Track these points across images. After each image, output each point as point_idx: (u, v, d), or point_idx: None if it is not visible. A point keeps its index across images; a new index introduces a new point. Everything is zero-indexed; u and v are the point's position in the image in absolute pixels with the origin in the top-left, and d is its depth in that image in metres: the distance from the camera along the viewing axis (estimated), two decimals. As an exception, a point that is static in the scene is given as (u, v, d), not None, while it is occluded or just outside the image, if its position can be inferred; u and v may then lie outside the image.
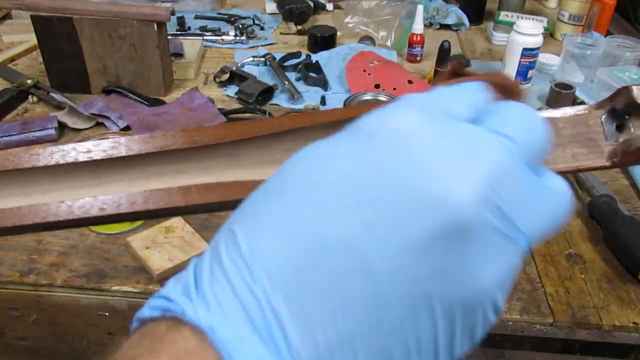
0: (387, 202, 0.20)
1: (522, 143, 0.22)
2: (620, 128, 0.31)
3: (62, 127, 0.96)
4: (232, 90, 1.12)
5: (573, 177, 0.87)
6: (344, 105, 0.84)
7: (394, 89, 1.08)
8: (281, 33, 1.43)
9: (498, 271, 0.21)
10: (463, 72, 0.28)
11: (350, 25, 1.39)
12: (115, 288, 0.65)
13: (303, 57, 1.25)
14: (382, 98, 0.87)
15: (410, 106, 0.22)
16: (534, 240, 0.22)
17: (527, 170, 0.22)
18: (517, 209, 0.21)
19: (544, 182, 0.23)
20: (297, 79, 1.17)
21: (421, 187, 0.20)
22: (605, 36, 1.23)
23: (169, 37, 1.11)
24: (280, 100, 1.09)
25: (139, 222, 0.74)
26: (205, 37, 1.35)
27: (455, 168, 0.20)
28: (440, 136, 0.21)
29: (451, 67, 0.28)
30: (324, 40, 1.29)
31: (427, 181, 0.20)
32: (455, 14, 1.46)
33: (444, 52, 1.12)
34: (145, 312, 0.22)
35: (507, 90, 0.26)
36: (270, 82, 1.12)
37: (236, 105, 1.07)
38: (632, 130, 0.30)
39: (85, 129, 0.97)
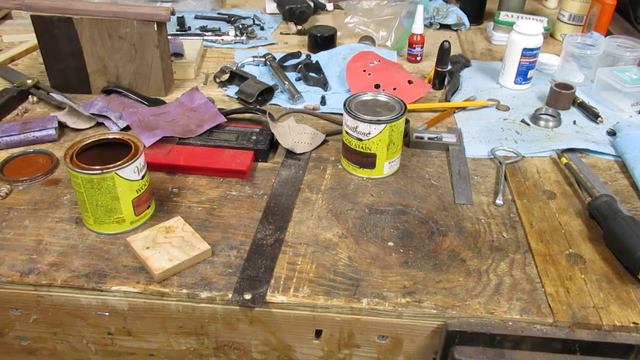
0: None
1: None
2: None
3: (62, 127, 0.96)
4: (232, 90, 1.12)
5: (573, 177, 0.87)
6: (344, 105, 0.84)
7: (394, 89, 1.08)
8: (281, 33, 1.43)
9: None
10: None
11: (350, 25, 1.39)
12: (115, 288, 0.65)
13: (303, 57, 1.25)
14: (382, 98, 0.87)
15: None
16: None
17: None
18: None
19: None
20: (297, 79, 1.17)
21: None
22: (605, 36, 1.22)
23: (169, 37, 1.11)
24: (280, 100, 1.09)
25: (139, 222, 0.74)
26: (205, 37, 1.35)
27: None
28: None
29: None
30: (324, 40, 1.29)
31: None
32: (455, 14, 1.46)
33: (444, 52, 1.12)
34: None
35: None
36: (270, 82, 1.12)
37: (236, 105, 1.07)
38: None
39: (86, 129, 0.97)
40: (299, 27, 1.42)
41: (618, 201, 0.78)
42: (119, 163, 0.68)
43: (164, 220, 0.73)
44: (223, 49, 1.33)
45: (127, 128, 0.96)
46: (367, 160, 0.84)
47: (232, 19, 1.47)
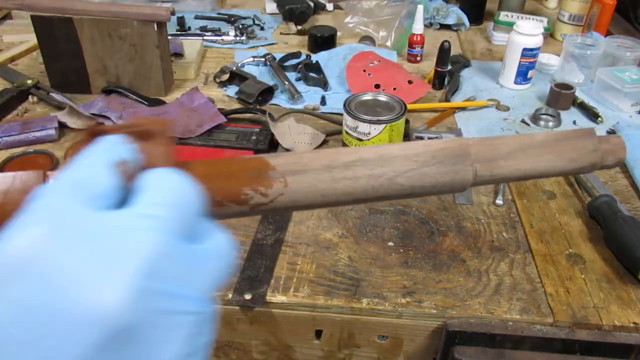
0: (34, 339, 0.19)
1: (172, 217, 0.23)
2: None
3: (62, 127, 0.96)
4: (232, 90, 1.12)
5: (573, 177, 0.87)
6: (344, 105, 0.84)
7: (394, 89, 1.08)
8: (281, 33, 1.43)
9: (180, 343, 0.21)
10: (101, 130, 0.28)
11: (350, 25, 1.39)
12: (115, 288, 0.65)
13: (303, 57, 1.25)
14: (382, 98, 0.87)
15: (36, 220, 0.21)
16: (206, 298, 0.23)
17: (181, 243, 0.23)
18: (182, 280, 0.22)
19: (204, 245, 0.25)
20: (297, 79, 1.17)
21: (67, 308, 0.19)
22: (605, 36, 1.22)
23: (169, 37, 1.11)
24: (280, 100, 1.09)
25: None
26: (205, 37, 1.35)
27: (100, 273, 0.20)
28: (77, 244, 0.20)
29: (87, 132, 0.28)
30: (324, 40, 1.29)
31: (73, 299, 0.19)
32: (455, 14, 1.46)
33: (444, 52, 1.12)
34: None
35: (151, 134, 0.27)
36: (270, 82, 1.12)
37: (236, 105, 1.07)
38: None
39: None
40: (299, 27, 1.42)
41: (618, 201, 0.78)
42: (119, 163, 0.68)
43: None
44: (223, 49, 1.33)
45: (127, 128, 0.96)
46: (367, 160, 0.84)
47: (232, 19, 1.47)
